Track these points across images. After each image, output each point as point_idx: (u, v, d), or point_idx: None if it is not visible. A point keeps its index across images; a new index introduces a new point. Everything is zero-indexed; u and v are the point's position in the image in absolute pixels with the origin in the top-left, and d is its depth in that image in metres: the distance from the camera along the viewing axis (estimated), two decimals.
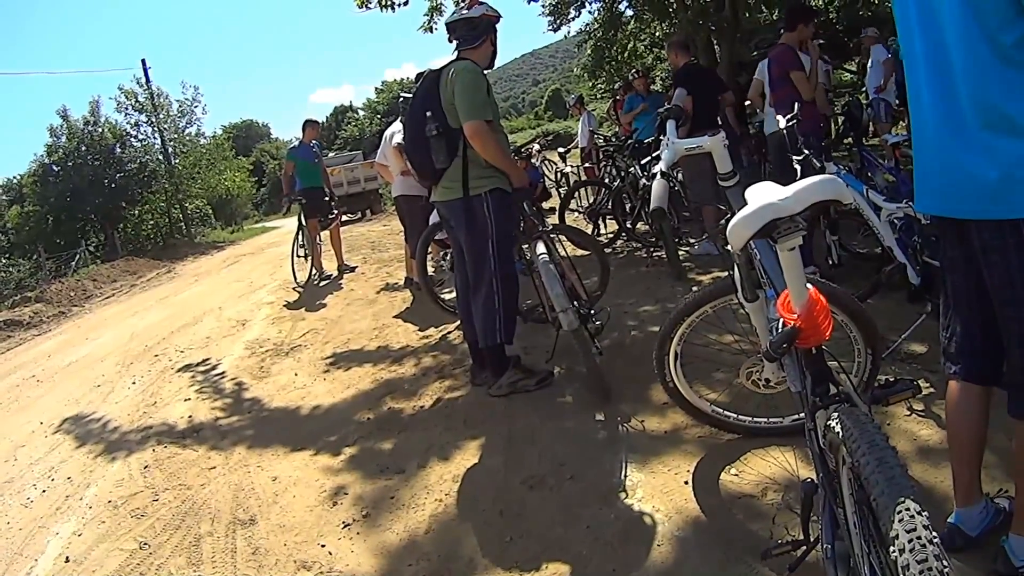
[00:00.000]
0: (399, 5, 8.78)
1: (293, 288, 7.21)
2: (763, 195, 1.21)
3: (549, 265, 3.05)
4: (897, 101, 7.03)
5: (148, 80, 21.13)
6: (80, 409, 4.31)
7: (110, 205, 20.80)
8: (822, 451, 1.26)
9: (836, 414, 1.15)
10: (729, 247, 1.39)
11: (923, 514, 0.90)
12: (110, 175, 20.63)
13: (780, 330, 1.27)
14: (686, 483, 2.19)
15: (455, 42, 3.08)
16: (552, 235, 3.47)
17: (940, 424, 2.23)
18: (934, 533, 0.88)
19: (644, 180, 5.11)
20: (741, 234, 1.22)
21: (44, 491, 3.15)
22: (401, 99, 5.66)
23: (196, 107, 22.29)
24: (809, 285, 1.25)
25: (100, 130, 21.20)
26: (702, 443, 2.42)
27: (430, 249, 4.73)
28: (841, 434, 1.10)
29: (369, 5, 8.71)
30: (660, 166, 1.70)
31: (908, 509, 0.90)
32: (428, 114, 2.92)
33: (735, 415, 2.37)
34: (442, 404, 3.25)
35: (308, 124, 7.57)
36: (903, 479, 0.95)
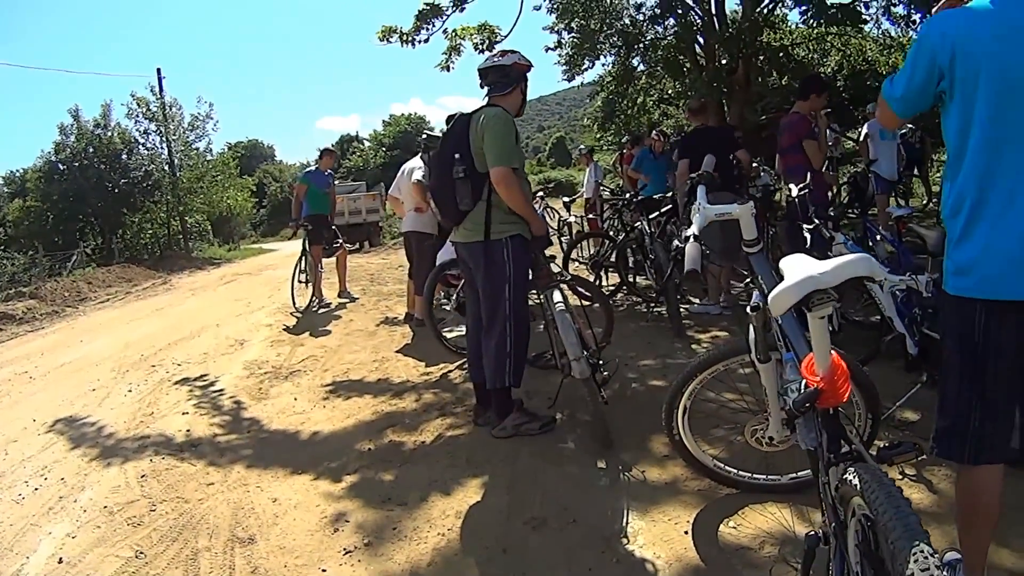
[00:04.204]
0: (420, 42, 8.82)
1: (291, 313, 7.22)
2: (802, 268, 1.35)
3: (565, 314, 3.12)
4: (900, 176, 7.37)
5: (161, 89, 21.29)
6: (74, 411, 4.30)
7: (111, 210, 20.76)
8: (834, 503, 1.35)
9: (853, 468, 1.26)
10: (748, 309, 1.49)
11: (936, 556, 1.01)
12: (114, 180, 20.65)
13: (803, 391, 1.38)
14: (686, 533, 2.25)
15: (486, 88, 3.17)
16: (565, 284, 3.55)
17: (931, 488, 2.36)
18: (946, 574, 0.98)
19: (673, 241, 5.15)
20: (784, 302, 1.36)
21: (36, 489, 3.13)
22: (424, 136, 5.84)
23: (208, 122, 22.52)
24: (832, 351, 1.36)
25: (109, 134, 21.27)
26: (701, 495, 2.49)
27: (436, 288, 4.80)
28: (859, 486, 1.20)
29: (390, 39, 8.75)
30: (692, 230, 1.83)
31: (923, 551, 1.01)
32: (457, 156, 3.01)
33: (735, 470, 2.45)
34: (444, 441, 3.28)
35: (326, 152, 7.73)
36: (918, 526, 1.06)
